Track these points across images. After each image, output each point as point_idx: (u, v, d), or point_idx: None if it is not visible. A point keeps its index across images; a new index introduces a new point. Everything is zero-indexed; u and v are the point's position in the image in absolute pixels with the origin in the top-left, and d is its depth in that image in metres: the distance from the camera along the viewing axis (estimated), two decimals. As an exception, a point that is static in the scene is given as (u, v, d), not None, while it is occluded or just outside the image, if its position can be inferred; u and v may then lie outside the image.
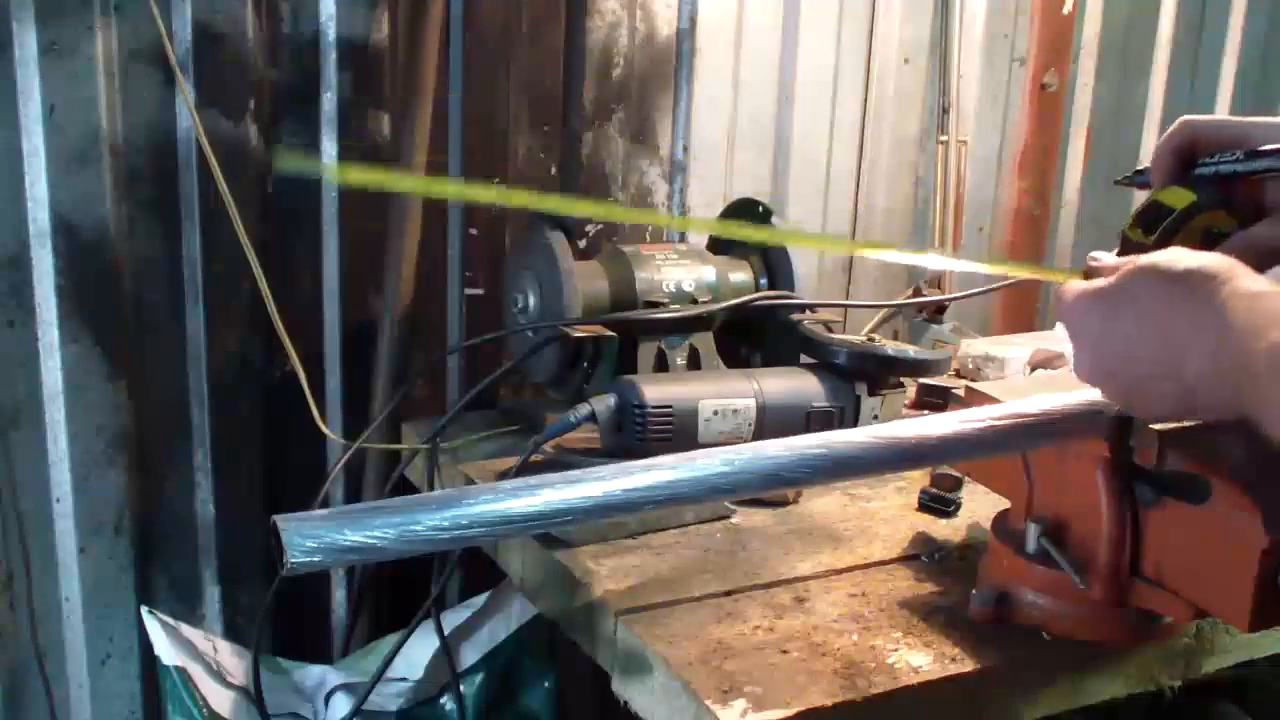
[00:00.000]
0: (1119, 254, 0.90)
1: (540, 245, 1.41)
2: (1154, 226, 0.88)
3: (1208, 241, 0.88)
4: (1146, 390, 0.81)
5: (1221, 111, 2.31)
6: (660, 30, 1.75)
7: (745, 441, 1.00)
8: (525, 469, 1.23)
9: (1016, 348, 1.65)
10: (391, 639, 1.44)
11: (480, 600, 1.53)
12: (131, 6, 1.39)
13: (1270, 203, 0.89)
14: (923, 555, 1.20)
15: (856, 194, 2.00)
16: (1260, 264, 0.85)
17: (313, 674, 1.52)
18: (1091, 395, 0.92)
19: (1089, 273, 0.88)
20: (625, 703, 1.04)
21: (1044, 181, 2.17)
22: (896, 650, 1.01)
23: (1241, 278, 0.75)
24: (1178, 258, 0.79)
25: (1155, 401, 0.82)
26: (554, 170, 1.72)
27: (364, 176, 1.30)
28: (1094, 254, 0.88)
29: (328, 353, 1.61)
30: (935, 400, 1.50)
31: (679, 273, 1.45)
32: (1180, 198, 0.88)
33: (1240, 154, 0.88)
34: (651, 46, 1.75)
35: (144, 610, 1.45)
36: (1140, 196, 0.96)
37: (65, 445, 1.44)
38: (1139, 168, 0.96)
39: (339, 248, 1.58)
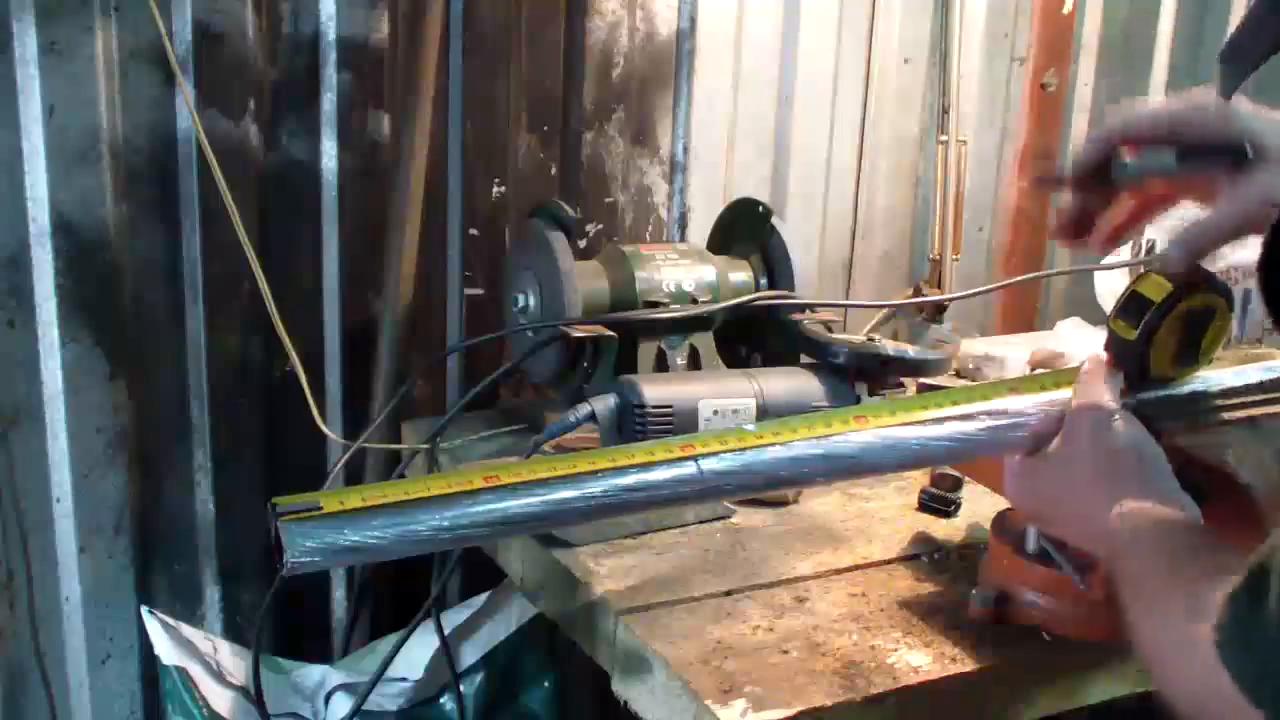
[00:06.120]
0: (1105, 346, 0.93)
1: (540, 245, 1.41)
2: (1136, 319, 0.89)
3: (1191, 323, 0.89)
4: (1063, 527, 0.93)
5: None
6: (660, 30, 1.75)
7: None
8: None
9: (1016, 348, 1.65)
10: (391, 639, 1.44)
11: (480, 600, 1.53)
12: (131, 6, 1.39)
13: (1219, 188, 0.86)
14: (923, 555, 1.20)
15: (856, 194, 1.99)
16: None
17: (313, 674, 1.52)
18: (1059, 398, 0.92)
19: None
20: (625, 703, 1.04)
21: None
22: (896, 650, 1.01)
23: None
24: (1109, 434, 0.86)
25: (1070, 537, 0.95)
26: (554, 170, 1.72)
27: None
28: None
29: (328, 353, 1.61)
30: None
31: (679, 273, 1.45)
32: (1158, 288, 0.89)
33: (1167, 156, 0.85)
34: (651, 46, 1.75)
35: (144, 610, 1.46)
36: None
37: (65, 445, 1.44)
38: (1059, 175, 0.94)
39: (339, 248, 1.58)
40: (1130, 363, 0.90)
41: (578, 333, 1.35)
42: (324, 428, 1.50)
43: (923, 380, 1.50)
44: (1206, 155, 0.84)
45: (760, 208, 1.54)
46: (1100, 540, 0.85)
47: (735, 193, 1.84)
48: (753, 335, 1.50)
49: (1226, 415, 0.97)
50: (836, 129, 1.94)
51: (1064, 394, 0.91)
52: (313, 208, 1.57)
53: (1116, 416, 0.87)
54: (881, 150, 2.00)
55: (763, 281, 1.51)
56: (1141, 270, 0.93)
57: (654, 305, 1.42)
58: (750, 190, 1.83)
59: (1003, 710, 1.03)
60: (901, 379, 1.39)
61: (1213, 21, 2.28)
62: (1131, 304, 0.91)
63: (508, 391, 1.67)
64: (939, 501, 1.30)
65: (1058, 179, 0.94)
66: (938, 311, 1.84)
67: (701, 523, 1.25)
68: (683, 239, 1.82)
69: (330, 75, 1.53)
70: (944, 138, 1.90)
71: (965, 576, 1.13)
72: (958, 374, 1.65)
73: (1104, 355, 0.92)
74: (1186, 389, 0.94)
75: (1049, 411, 0.90)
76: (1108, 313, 1.69)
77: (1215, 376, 0.97)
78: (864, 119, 1.96)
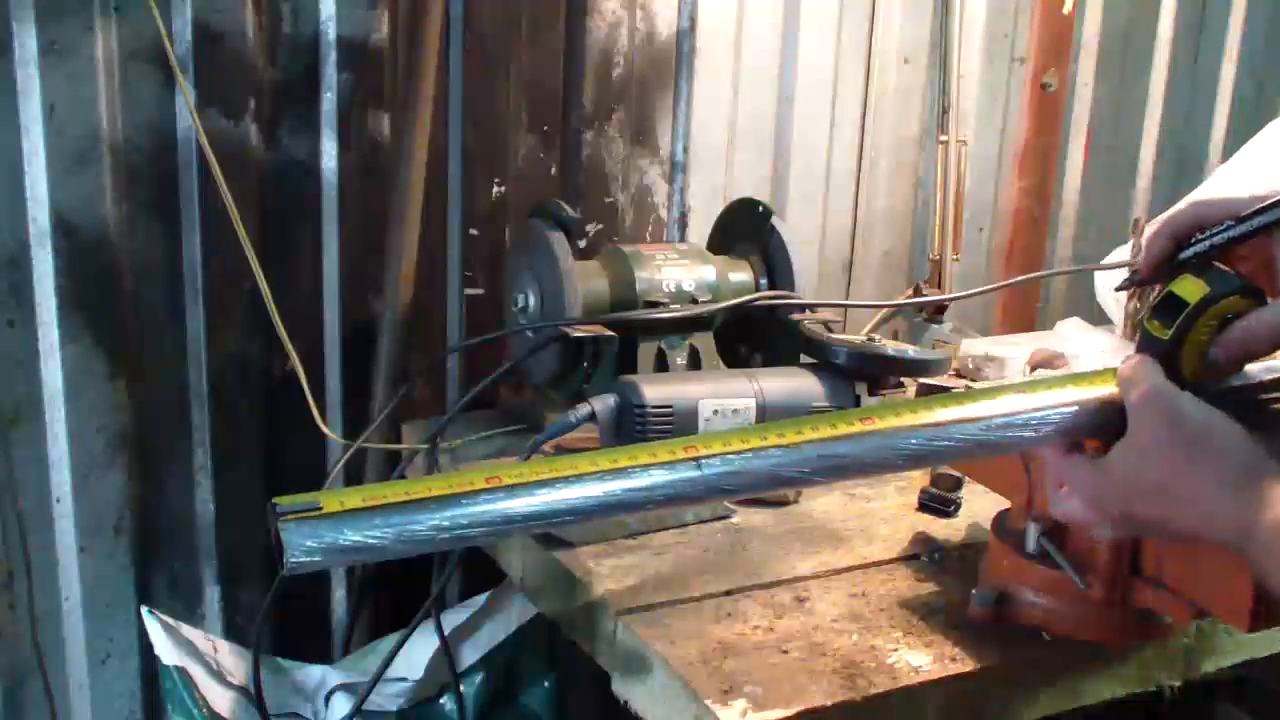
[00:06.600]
0: (1138, 347, 0.93)
1: (540, 245, 1.41)
2: (1171, 320, 0.89)
3: (1225, 327, 0.89)
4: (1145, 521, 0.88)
5: (1221, 113, 2.31)
6: (660, 30, 1.75)
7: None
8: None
9: (1016, 348, 1.66)
10: (391, 639, 1.44)
11: (480, 600, 1.53)
12: (131, 6, 1.39)
13: None
14: (923, 555, 1.20)
15: (856, 194, 2.00)
16: None
17: (313, 674, 1.52)
18: (1090, 395, 0.92)
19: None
20: (625, 703, 1.04)
21: (1044, 181, 2.17)
22: (896, 650, 1.01)
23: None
24: (1183, 417, 0.84)
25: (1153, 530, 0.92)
26: (554, 170, 1.72)
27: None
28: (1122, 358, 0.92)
29: (328, 353, 1.61)
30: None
31: (679, 273, 1.45)
32: (1194, 289, 0.89)
33: (1229, 223, 0.88)
34: (651, 46, 1.75)
35: (144, 610, 1.45)
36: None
37: (65, 445, 1.44)
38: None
39: (339, 247, 1.58)
40: (1161, 363, 0.90)
41: (578, 333, 1.35)
42: (324, 428, 1.50)
43: (923, 380, 1.50)
44: (1260, 213, 0.87)
45: (760, 208, 1.54)
46: (1222, 522, 0.82)
47: (735, 193, 1.84)
48: (753, 335, 1.50)
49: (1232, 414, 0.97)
50: (836, 129, 1.94)
51: (1067, 394, 0.91)
52: (313, 208, 1.57)
53: (1185, 398, 0.86)
54: (881, 150, 2.00)
55: (763, 281, 1.51)
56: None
57: (654, 305, 1.42)
58: (750, 190, 1.83)
59: (1003, 710, 1.03)
60: (901, 379, 1.39)
61: (1213, 21, 2.28)
62: (1166, 305, 0.91)
63: (508, 391, 1.67)
64: (939, 501, 1.30)
65: (1138, 279, 0.98)
66: (938, 311, 1.84)
67: (701, 523, 1.25)
68: (683, 239, 1.82)
69: (330, 75, 1.53)
70: (944, 138, 1.90)
71: (965, 576, 1.13)
72: (958, 374, 1.65)
73: (1138, 356, 0.92)
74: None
75: (1080, 408, 0.90)
76: (1107, 313, 1.70)
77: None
78: (864, 119, 1.97)
